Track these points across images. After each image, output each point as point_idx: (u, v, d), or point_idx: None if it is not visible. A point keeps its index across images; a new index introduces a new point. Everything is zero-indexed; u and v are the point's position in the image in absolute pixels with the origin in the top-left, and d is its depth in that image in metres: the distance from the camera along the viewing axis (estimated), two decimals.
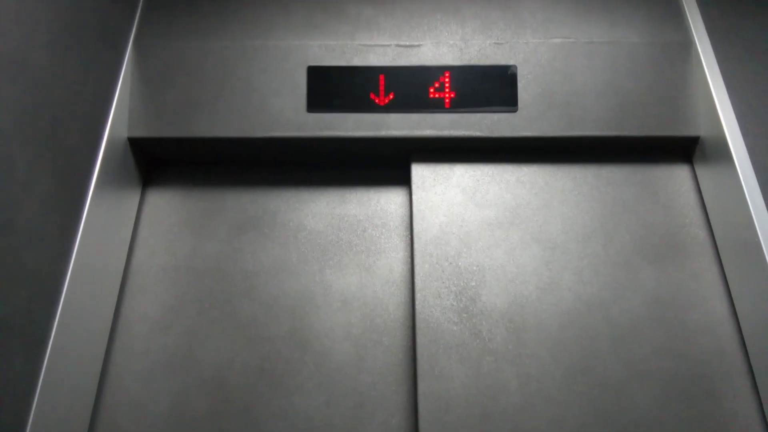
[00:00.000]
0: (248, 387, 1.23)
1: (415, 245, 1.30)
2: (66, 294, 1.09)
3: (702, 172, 1.37)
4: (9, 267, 0.95)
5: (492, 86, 1.38)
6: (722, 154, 1.29)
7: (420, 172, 1.39)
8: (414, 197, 1.35)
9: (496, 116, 1.37)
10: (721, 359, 1.20)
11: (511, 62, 1.40)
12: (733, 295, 1.25)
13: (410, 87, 1.39)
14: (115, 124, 1.31)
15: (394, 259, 1.37)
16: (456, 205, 1.35)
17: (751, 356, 1.19)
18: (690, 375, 1.18)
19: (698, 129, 1.36)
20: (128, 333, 1.29)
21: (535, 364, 1.18)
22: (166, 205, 1.43)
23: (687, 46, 1.41)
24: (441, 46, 1.42)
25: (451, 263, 1.28)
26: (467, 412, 1.13)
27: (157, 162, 1.48)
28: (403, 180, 1.45)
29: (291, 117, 1.37)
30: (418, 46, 1.42)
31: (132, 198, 1.41)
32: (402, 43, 1.42)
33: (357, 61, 1.41)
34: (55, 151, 1.09)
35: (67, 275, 1.11)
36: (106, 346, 1.26)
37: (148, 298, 1.32)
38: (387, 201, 1.44)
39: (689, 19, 1.44)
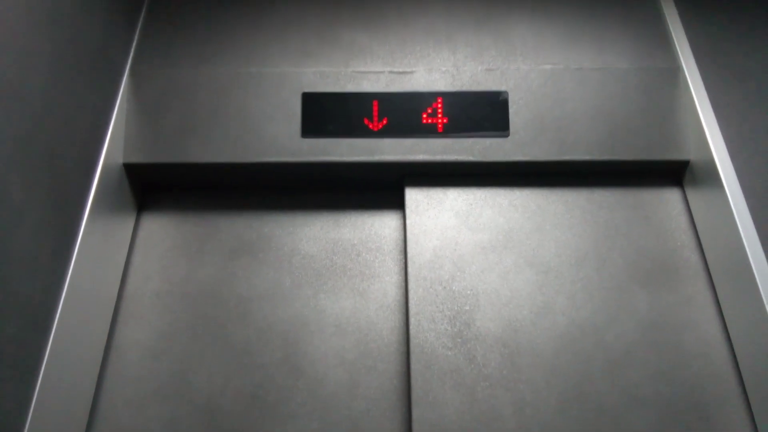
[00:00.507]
0: (241, 413, 1.22)
1: (409, 269, 1.30)
2: (58, 322, 1.09)
3: (692, 195, 1.39)
4: (1, 294, 0.95)
5: (484, 112, 1.40)
6: (712, 177, 1.30)
7: (413, 196, 1.40)
8: (408, 221, 1.36)
9: (488, 141, 1.38)
10: (715, 383, 1.20)
11: (502, 88, 1.42)
12: (726, 319, 1.26)
13: (403, 112, 1.41)
14: (110, 149, 1.32)
15: (388, 283, 1.37)
16: (449, 228, 1.36)
17: (745, 379, 1.19)
18: (684, 399, 1.18)
19: (688, 153, 1.38)
20: (121, 360, 1.28)
21: (529, 389, 1.18)
22: (160, 230, 1.44)
23: (675, 71, 1.43)
24: (433, 72, 1.44)
25: (445, 287, 1.29)
26: None
27: (152, 187, 1.48)
28: (397, 204, 1.46)
29: (286, 142, 1.38)
30: (411, 72, 1.44)
31: (127, 223, 1.41)
32: (395, 69, 1.44)
33: (351, 88, 1.43)
34: (50, 177, 1.10)
35: (59, 302, 1.10)
36: (98, 374, 1.25)
37: (141, 325, 1.32)
38: (381, 225, 1.45)
39: (677, 44, 1.46)
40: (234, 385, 1.25)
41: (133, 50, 1.46)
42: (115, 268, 1.35)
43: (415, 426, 1.13)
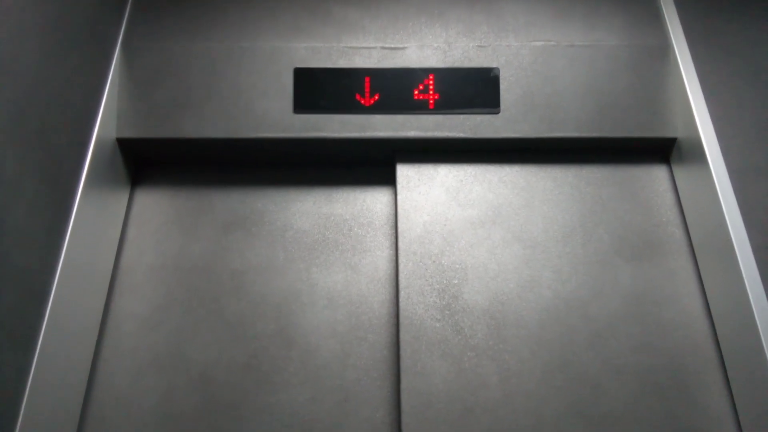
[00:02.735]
0: (235, 384, 1.25)
1: (400, 244, 1.33)
2: (55, 293, 1.11)
3: (679, 172, 1.41)
4: None
5: (475, 88, 1.41)
6: (698, 155, 1.32)
7: (405, 172, 1.42)
8: (399, 197, 1.38)
9: (479, 118, 1.40)
10: (695, 354, 1.24)
11: (493, 65, 1.43)
12: (706, 293, 1.29)
13: (395, 89, 1.41)
14: (103, 124, 1.33)
15: (379, 258, 1.40)
16: (440, 204, 1.38)
17: (723, 351, 1.23)
18: (664, 370, 1.22)
19: (675, 130, 1.39)
20: (117, 331, 1.31)
21: (515, 359, 1.22)
22: (154, 205, 1.45)
23: (665, 49, 1.44)
24: (425, 48, 1.44)
25: (434, 261, 1.31)
26: (449, 407, 1.17)
27: (146, 162, 1.49)
28: (389, 180, 1.47)
29: (278, 118, 1.39)
30: (403, 48, 1.44)
31: (120, 198, 1.42)
32: (387, 45, 1.45)
33: (343, 63, 1.43)
34: (44, 152, 1.11)
35: (56, 275, 1.12)
36: (95, 345, 1.28)
37: (137, 297, 1.34)
38: (372, 200, 1.47)
39: (667, 22, 1.47)
40: (228, 355, 1.28)
41: (124, 25, 1.45)
42: (110, 241, 1.37)
43: (403, 394, 1.17)
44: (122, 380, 1.26)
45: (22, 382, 1.02)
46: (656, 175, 1.43)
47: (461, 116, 1.40)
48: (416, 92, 1.41)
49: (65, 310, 1.15)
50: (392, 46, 1.45)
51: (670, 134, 1.39)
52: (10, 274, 1.00)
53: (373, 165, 1.48)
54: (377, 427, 1.21)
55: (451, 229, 1.35)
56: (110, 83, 1.37)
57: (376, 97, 1.41)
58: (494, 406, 1.17)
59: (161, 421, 1.22)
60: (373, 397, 1.24)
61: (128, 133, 1.38)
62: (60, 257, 1.14)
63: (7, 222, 1.00)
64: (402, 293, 1.27)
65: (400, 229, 1.34)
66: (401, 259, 1.31)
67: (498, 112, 1.40)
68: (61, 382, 1.14)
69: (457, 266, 1.31)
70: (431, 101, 1.40)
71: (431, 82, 1.41)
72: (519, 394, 1.18)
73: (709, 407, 1.19)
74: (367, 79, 1.42)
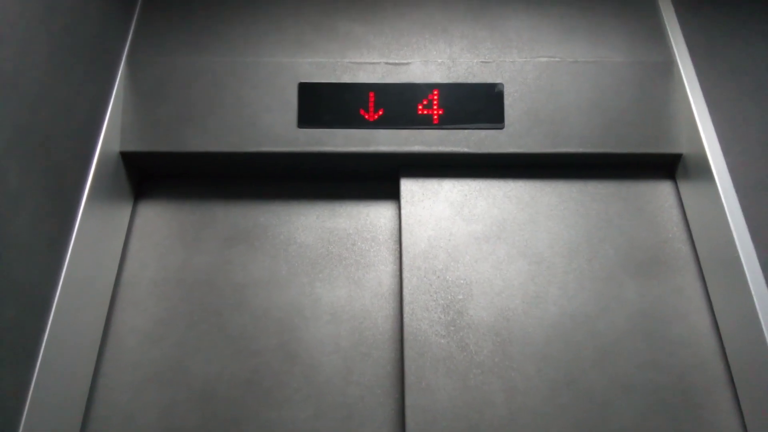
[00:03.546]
0: (237, 399, 1.23)
1: (404, 259, 1.32)
2: (56, 307, 1.10)
3: (684, 188, 1.40)
4: None
5: (479, 104, 1.41)
6: (703, 171, 1.32)
7: (409, 187, 1.41)
8: (403, 211, 1.38)
9: (483, 133, 1.40)
10: (703, 372, 1.22)
11: (497, 80, 1.43)
12: (714, 309, 1.28)
13: (399, 104, 1.41)
14: (107, 138, 1.33)
15: (383, 273, 1.39)
16: (444, 219, 1.37)
17: (732, 369, 1.21)
18: (673, 387, 1.20)
19: (680, 146, 1.39)
20: (118, 346, 1.29)
21: (521, 377, 1.20)
22: (157, 219, 1.45)
23: (669, 65, 1.44)
24: (429, 64, 1.45)
25: (438, 277, 1.30)
26: (454, 425, 1.15)
27: (149, 176, 1.49)
28: (392, 194, 1.47)
29: (282, 132, 1.39)
30: (407, 64, 1.45)
31: (123, 211, 1.42)
32: (391, 61, 1.45)
33: (347, 78, 1.43)
34: (47, 165, 1.10)
35: (57, 288, 1.12)
36: (96, 359, 1.27)
37: (139, 311, 1.33)
38: (376, 215, 1.46)
39: (671, 39, 1.48)
40: (230, 370, 1.26)
41: (129, 39, 1.46)
42: (112, 255, 1.36)
43: (408, 412, 1.15)
44: (123, 395, 1.24)
45: (22, 396, 1.01)
46: (662, 191, 1.42)
47: (465, 131, 1.40)
48: (420, 107, 1.41)
49: (67, 324, 1.13)
50: (396, 61, 1.45)
51: (675, 150, 1.39)
52: (11, 287, 0.99)
53: (377, 179, 1.48)
54: None
55: (456, 244, 1.34)
56: (114, 97, 1.37)
57: (381, 112, 1.41)
58: (500, 424, 1.15)
59: None
60: (376, 415, 1.22)
61: (132, 147, 1.38)
62: (62, 270, 1.14)
63: (9, 234, 0.99)
64: (406, 309, 1.26)
65: (404, 244, 1.34)
66: (405, 274, 1.30)
67: (502, 128, 1.40)
68: (62, 397, 1.12)
69: (462, 282, 1.30)
70: (435, 116, 1.41)
71: (435, 97, 1.42)
72: (525, 412, 1.17)
73: (718, 426, 1.17)
74: (371, 95, 1.42)
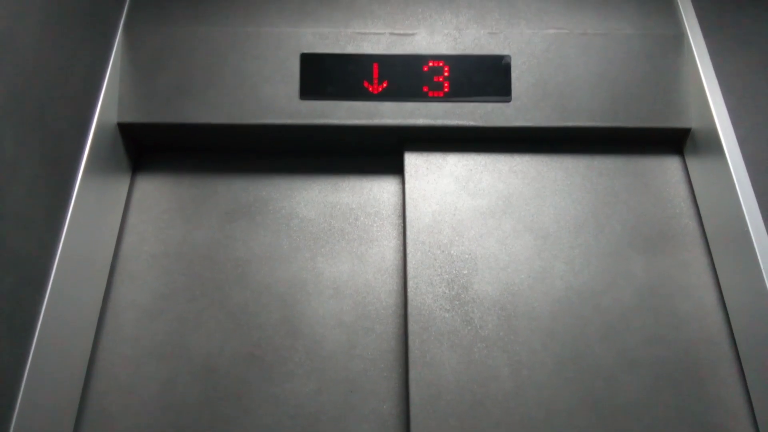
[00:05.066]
0: (239, 374, 1.22)
1: (408, 234, 1.30)
2: (54, 279, 1.08)
3: (693, 163, 1.38)
4: None
5: (486, 76, 1.38)
6: (713, 145, 1.30)
7: (413, 161, 1.39)
8: (407, 186, 1.35)
9: (489, 106, 1.37)
10: (709, 347, 1.21)
11: (505, 52, 1.40)
12: (721, 285, 1.27)
13: (404, 76, 1.38)
14: (104, 108, 1.29)
15: (386, 248, 1.37)
16: (449, 194, 1.35)
17: (738, 344, 1.21)
18: (678, 362, 1.19)
19: (689, 121, 1.37)
20: (117, 319, 1.27)
21: (525, 351, 1.19)
22: (155, 192, 1.42)
23: (679, 38, 1.41)
24: (435, 35, 1.41)
25: (443, 251, 1.28)
26: (458, 399, 1.14)
27: (147, 148, 1.46)
28: (396, 169, 1.45)
29: (283, 104, 1.36)
30: (413, 34, 1.41)
31: (121, 184, 1.39)
32: (396, 31, 1.42)
33: (351, 49, 1.40)
34: (43, 135, 1.07)
35: (55, 261, 1.09)
36: (94, 333, 1.25)
37: (138, 285, 1.31)
38: (380, 189, 1.44)
39: (682, 11, 1.44)
40: (232, 345, 1.25)
41: (126, 7, 1.42)
42: (111, 228, 1.33)
43: (412, 385, 1.14)
44: (122, 369, 1.23)
45: (20, 369, 0.99)
46: (669, 166, 1.40)
47: (471, 104, 1.37)
48: (425, 79, 1.38)
49: (64, 297, 1.11)
50: (401, 32, 1.42)
51: (684, 124, 1.37)
52: (7, 259, 0.96)
53: (380, 153, 1.45)
54: (384, 419, 1.18)
55: (461, 219, 1.32)
56: (111, 67, 1.33)
57: (385, 84, 1.38)
58: (505, 398, 1.14)
59: (162, 412, 1.19)
60: (380, 389, 1.21)
61: (129, 118, 1.35)
62: (59, 242, 1.11)
63: (6, 203, 0.96)
64: (410, 283, 1.24)
65: (408, 219, 1.31)
66: (409, 249, 1.28)
67: (509, 101, 1.37)
68: (60, 371, 1.11)
69: (467, 256, 1.28)
70: (441, 89, 1.37)
71: (441, 69, 1.38)
72: (530, 386, 1.16)
73: (723, 400, 1.16)
74: (375, 66, 1.39)
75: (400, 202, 1.42)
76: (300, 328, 1.27)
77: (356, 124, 1.36)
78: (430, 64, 1.39)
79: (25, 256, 1.01)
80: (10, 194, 0.97)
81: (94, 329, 1.25)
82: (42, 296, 1.06)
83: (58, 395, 1.10)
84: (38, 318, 1.04)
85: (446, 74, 1.38)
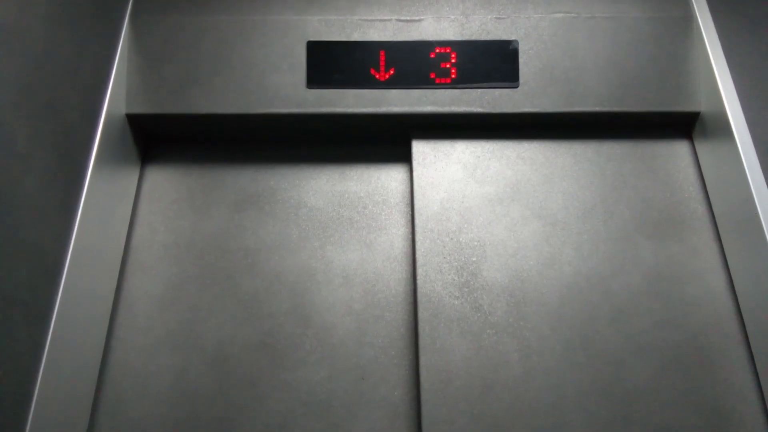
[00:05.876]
0: (250, 362, 1.24)
1: (416, 221, 1.30)
2: (68, 269, 1.09)
3: (702, 147, 1.38)
4: (10, 241, 0.95)
5: (493, 62, 1.37)
6: (722, 129, 1.29)
7: (420, 149, 1.39)
8: (415, 174, 1.35)
9: (497, 92, 1.36)
10: (718, 332, 1.21)
11: (512, 37, 1.39)
12: (731, 269, 1.27)
13: (411, 63, 1.38)
14: (113, 99, 1.30)
15: (395, 236, 1.37)
16: (457, 181, 1.35)
17: (747, 329, 1.21)
18: (687, 347, 1.20)
19: (699, 104, 1.36)
20: (130, 309, 1.29)
21: (535, 337, 1.20)
22: (165, 182, 1.43)
23: (688, 21, 1.40)
24: (442, 20, 1.40)
25: (452, 239, 1.29)
26: (468, 384, 1.15)
27: (156, 138, 1.47)
28: (404, 157, 1.45)
29: (290, 93, 1.36)
30: (419, 20, 1.40)
31: (131, 175, 1.40)
32: (403, 17, 1.41)
33: (357, 36, 1.39)
34: (54, 127, 1.08)
35: (68, 251, 1.10)
36: (108, 322, 1.26)
37: (150, 275, 1.32)
38: (387, 177, 1.44)
39: None
40: (243, 333, 1.26)
41: None
42: (122, 219, 1.34)
43: (422, 372, 1.16)
44: (136, 358, 1.24)
45: (37, 358, 1.01)
46: (678, 151, 1.40)
47: (479, 91, 1.37)
48: (432, 66, 1.37)
49: (79, 287, 1.13)
50: (408, 18, 1.41)
51: (693, 108, 1.36)
52: (23, 249, 0.97)
53: (388, 141, 1.45)
54: (395, 405, 1.20)
55: (469, 206, 1.32)
56: (119, 57, 1.33)
57: (392, 72, 1.38)
58: (514, 384, 1.15)
59: (176, 400, 1.21)
60: (390, 375, 1.22)
61: (137, 109, 1.36)
62: (72, 233, 1.12)
63: (20, 195, 0.97)
64: (419, 271, 1.25)
65: (416, 207, 1.32)
66: (418, 237, 1.28)
67: (517, 87, 1.36)
68: (75, 359, 1.12)
69: (476, 243, 1.28)
70: (448, 76, 1.37)
71: (448, 55, 1.38)
72: (539, 372, 1.17)
73: (733, 384, 1.17)
74: (382, 53, 1.38)
75: (408, 189, 1.42)
76: (310, 316, 1.28)
77: (363, 112, 1.36)
78: (437, 50, 1.38)
79: (39, 246, 1.02)
80: (23, 186, 0.98)
81: (107, 319, 1.26)
82: (57, 286, 1.07)
83: (73, 383, 1.12)
84: (54, 308, 1.06)
85: (453, 60, 1.37)
